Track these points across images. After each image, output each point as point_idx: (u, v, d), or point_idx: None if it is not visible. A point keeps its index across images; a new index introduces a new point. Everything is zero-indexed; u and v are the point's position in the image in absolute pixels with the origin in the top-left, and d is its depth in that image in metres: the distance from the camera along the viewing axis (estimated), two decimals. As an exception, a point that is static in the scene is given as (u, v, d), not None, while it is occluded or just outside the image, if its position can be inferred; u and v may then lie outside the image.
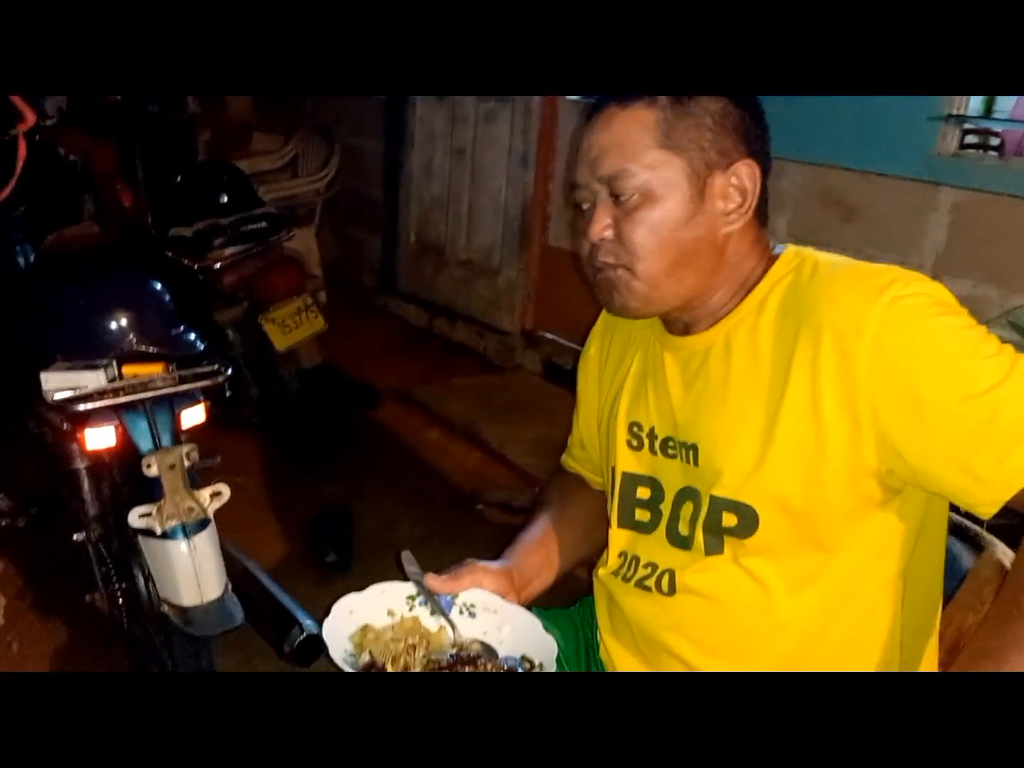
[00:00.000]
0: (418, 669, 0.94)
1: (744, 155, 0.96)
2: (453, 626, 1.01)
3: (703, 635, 1.00)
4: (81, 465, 1.74)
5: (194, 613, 1.52)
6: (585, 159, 0.98)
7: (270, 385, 2.92)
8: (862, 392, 0.87)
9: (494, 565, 1.10)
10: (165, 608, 1.55)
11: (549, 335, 3.61)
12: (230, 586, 1.59)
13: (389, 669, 0.93)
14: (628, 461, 1.08)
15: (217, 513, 1.58)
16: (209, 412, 1.69)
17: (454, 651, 0.98)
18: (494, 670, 0.95)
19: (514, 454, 3.04)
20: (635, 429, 1.07)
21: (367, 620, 1.01)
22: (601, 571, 1.12)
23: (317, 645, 1.84)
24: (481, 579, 1.07)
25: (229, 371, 1.67)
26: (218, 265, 2.66)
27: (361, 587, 1.05)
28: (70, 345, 1.63)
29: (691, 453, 0.99)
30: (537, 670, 0.95)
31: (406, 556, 1.08)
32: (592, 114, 0.98)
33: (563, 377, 3.51)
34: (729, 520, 0.96)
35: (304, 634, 1.81)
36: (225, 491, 1.57)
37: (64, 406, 1.54)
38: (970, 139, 2.80)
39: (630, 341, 1.12)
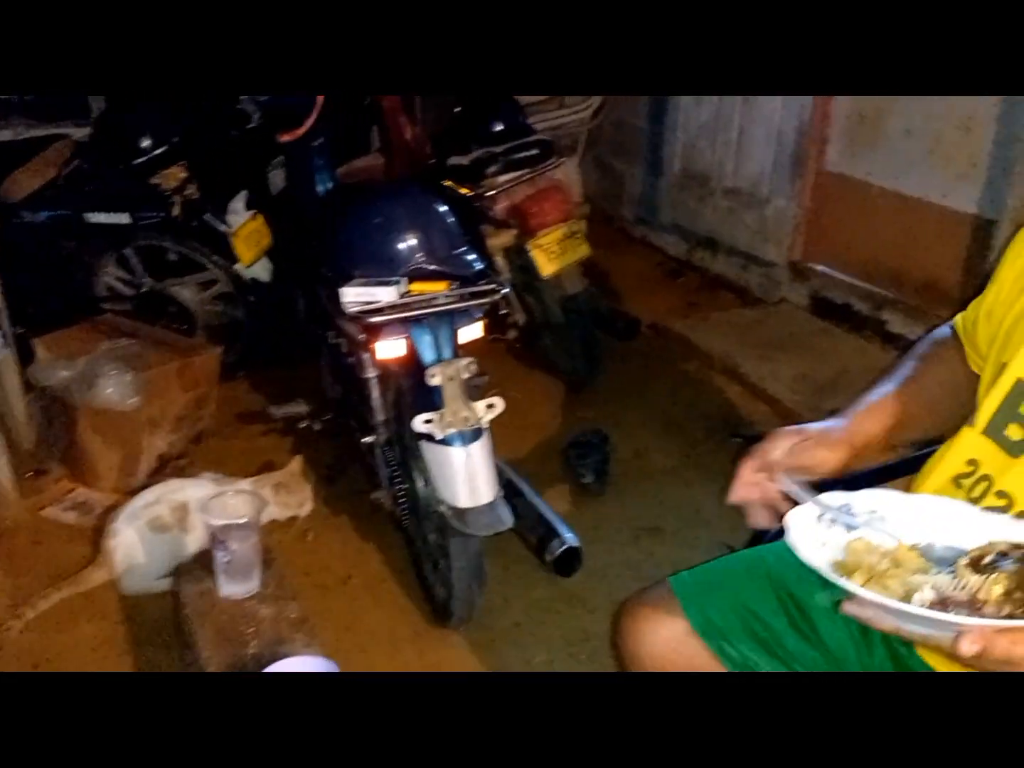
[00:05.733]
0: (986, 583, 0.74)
1: None
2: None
3: None
4: (372, 374, 1.91)
5: (468, 514, 1.64)
6: None
7: (535, 311, 3.02)
8: None
9: (832, 435, 0.96)
10: (442, 508, 1.69)
11: (819, 267, 3.41)
12: (501, 492, 1.70)
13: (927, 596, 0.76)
14: None
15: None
16: (486, 329, 1.79)
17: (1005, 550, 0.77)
18: None
19: (775, 391, 2.94)
20: None
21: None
22: (935, 471, 0.98)
23: (576, 557, 1.92)
24: (824, 458, 0.94)
25: (505, 289, 1.75)
26: (491, 192, 2.77)
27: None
28: (367, 263, 1.78)
29: None
30: None
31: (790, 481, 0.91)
32: None
33: (832, 312, 3.33)
34: None
35: (565, 546, 1.90)
36: (499, 403, 1.67)
37: (360, 318, 1.69)
38: None
39: None
